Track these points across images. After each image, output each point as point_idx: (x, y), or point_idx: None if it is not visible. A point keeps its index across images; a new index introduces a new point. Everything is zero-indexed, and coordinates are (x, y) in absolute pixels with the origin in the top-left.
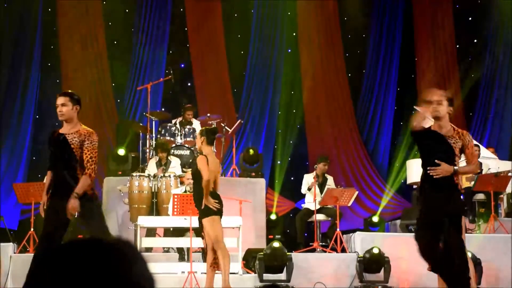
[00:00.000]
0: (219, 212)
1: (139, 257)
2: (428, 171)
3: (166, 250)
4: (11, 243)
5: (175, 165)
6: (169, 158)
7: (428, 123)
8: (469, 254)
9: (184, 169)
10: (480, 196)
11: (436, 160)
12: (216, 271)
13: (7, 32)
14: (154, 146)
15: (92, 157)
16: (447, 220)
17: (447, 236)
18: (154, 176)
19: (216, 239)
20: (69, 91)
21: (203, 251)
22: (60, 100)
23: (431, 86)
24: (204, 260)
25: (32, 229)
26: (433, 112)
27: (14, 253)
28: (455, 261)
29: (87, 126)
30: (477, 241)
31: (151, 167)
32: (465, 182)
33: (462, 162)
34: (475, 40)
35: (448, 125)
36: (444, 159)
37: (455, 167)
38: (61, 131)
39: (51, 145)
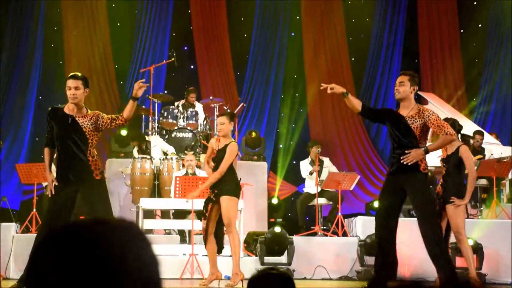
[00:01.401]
0: (238, 196)
1: (142, 238)
2: (402, 161)
3: (168, 232)
4: (13, 223)
5: (155, 143)
6: (147, 141)
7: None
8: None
9: (186, 151)
10: (483, 182)
11: (404, 150)
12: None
13: (10, 13)
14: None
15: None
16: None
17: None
18: (151, 158)
19: (229, 222)
20: (80, 74)
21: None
22: (74, 83)
23: (434, 71)
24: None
25: (34, 210)
26: (395, 93)
27: (17, 233)
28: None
29: (89, 109)
30: (479, 226)
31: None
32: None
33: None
34: (480, 25)
35: (411, 105)
36: (402, 139)
37: (425, 147)
38: (69, 112)
39: (57, 124)
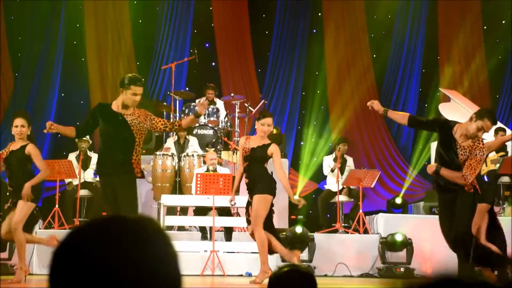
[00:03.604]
0: (272, 193)
1: (160, 235)
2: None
3: (187, 228)
4: None
5: (193, 143)
6: (187, 137)
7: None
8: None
9: (207, 148)
10: (505, 179)
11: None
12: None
13: (32, 10)
14: None
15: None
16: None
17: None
18: (172, 155)
19: (255, 219)
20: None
21: (226, 230)
22: (139, 90)
23: (455, 67)
24: (226, 239)
25: (57, 206)
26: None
27: (40, 229)
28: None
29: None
30: (502, 223)
31: (169, 146)
32: (490, 165)
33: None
34: (503, 22)
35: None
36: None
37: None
38: (118, 110)
39: (107, 122)
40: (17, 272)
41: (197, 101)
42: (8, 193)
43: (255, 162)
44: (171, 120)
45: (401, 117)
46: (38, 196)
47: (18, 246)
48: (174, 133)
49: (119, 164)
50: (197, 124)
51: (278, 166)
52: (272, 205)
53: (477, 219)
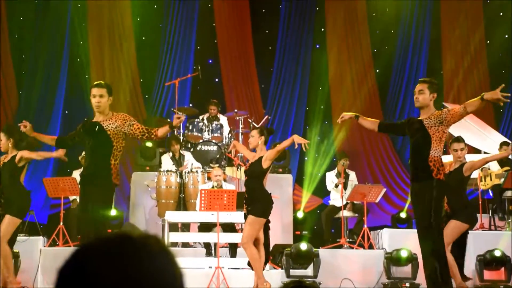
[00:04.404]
0: (266, 215)
1: (167, 253)
2: None
3: (192, 244)
4: (41, 237)
5: (188, 158)
6: (181, 152)
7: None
8: (497, 252)
9: (211, 164)
10: (510, 194)
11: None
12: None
13: (36, 27)
14: (166, 140)
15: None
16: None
17: None
18: (167, 171)
19: (245, 239)
20: (104, 82)
21: (230, 246)
22: (98, 91)
23: (459, 81)
24: (231, 255)
25: (61, 223)
26: (415, 102)
27: (44, 246)
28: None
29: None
30: (507, 238)
31: (165, 163)
32: (494, 180)
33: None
34: (506, 36)
35: (430, 112)
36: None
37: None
38: (96, 120)
39: (87, 134)
40: (8, 285)
41: (200, 117)
42: None
43: (250, 177)
44: (149, 130)
45: (371, 123)
46: (24, 212)
47: (4, 258)
48: (167, 148)
49: (97, 172)
50: (201, 140)
51: (269, 152)
52: (268, 221)
53: (454, 235)
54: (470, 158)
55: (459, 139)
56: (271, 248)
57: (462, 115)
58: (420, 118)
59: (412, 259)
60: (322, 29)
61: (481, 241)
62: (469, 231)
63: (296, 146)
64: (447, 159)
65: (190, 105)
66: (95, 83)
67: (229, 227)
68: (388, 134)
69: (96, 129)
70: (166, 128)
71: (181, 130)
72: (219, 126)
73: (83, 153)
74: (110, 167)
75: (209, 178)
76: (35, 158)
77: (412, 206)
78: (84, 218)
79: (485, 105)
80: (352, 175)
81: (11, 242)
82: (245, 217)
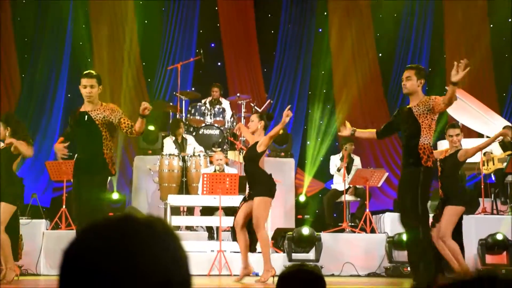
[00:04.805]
0: (272, 195)
1: (173, 236)
2: None
3: (194, 228)
4: (43, 220)
5: (191, 142)
6: (183, 136)
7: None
8: (499, 236)
9: (213, 148)
10: None
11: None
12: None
13: (39, 11)
14: (170, 124)
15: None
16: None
17: None
18: (170, 155)
19: (257, 222)
20: (94, 72)
21: (232, 230)
22: (88, 81)
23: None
24: (233, 239)
25: (64, 206)
26: (402, 89)
27: (47, 229)
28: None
29: (118, 106)
30: (508, 222)
31: (168, 146)
32: (497, 164)
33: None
34: (509, 19)
35: (419, 98)
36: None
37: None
38: (84, 109)
39: (76, 125)
40: (7, 273)
41: (202, 101)
42: None
43: (247, 161)
44: (132, 126)
45: (370, 133)
46: (19, 199)
47: (3, 247)
48: (171, 132)
49: (90, 161)
50: (203, 124)
51: (265, 136)
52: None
53: (453, 221)
54: (474, 142)
55: (454, 125)
56: (272, 233)
57: (443, 106)
58: (409, 106)
59: None
60: (325, 13)
61: (483, 225)
62: (471, 216)
63: (288, 120)
64: (444, 145)
65: (193, 89)
66: (85, 72)
67: (231, 211)
68: (389, 136)
69: (86, 118)
70: (140, 121)
71: (184, 114)
72: (221, 110)
73: None
74: (104, 157)
75: (211, 162)
76: (24, 154)
77: (397, 192)
78: (79, 207)
79: (460, 87)
80: (357, 160)
81: (14, 229)
82: (245, 200)
